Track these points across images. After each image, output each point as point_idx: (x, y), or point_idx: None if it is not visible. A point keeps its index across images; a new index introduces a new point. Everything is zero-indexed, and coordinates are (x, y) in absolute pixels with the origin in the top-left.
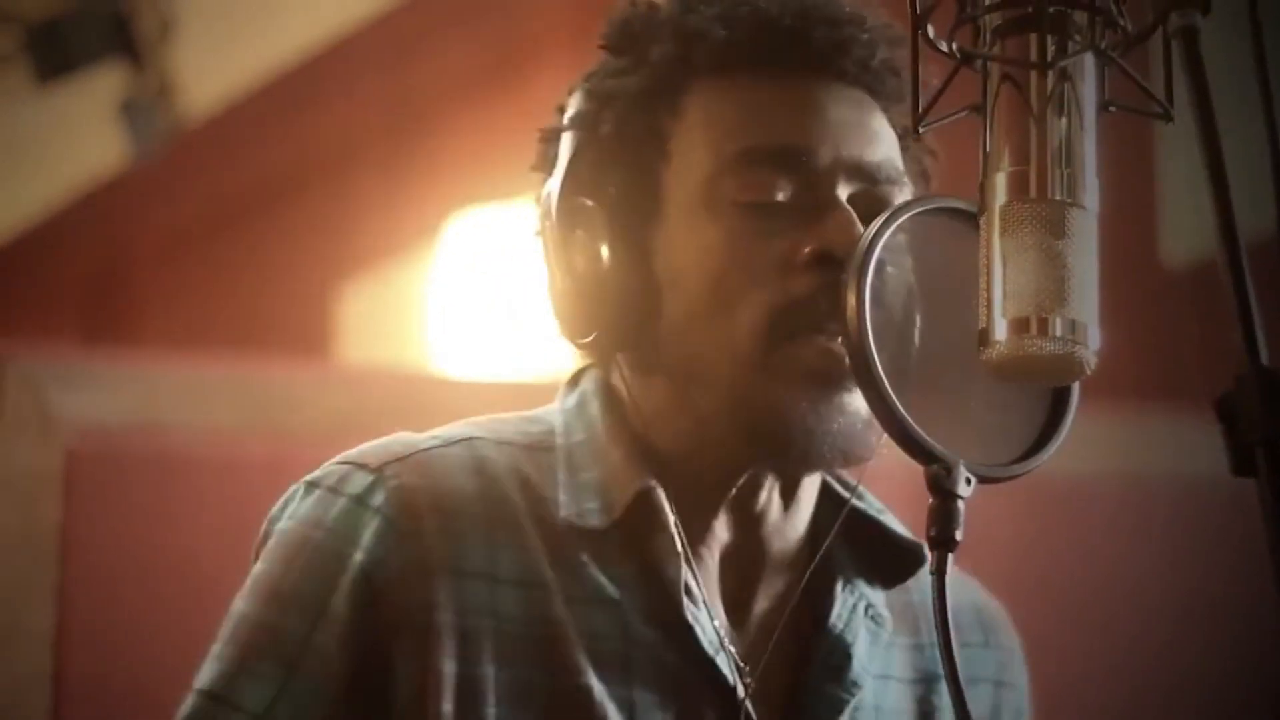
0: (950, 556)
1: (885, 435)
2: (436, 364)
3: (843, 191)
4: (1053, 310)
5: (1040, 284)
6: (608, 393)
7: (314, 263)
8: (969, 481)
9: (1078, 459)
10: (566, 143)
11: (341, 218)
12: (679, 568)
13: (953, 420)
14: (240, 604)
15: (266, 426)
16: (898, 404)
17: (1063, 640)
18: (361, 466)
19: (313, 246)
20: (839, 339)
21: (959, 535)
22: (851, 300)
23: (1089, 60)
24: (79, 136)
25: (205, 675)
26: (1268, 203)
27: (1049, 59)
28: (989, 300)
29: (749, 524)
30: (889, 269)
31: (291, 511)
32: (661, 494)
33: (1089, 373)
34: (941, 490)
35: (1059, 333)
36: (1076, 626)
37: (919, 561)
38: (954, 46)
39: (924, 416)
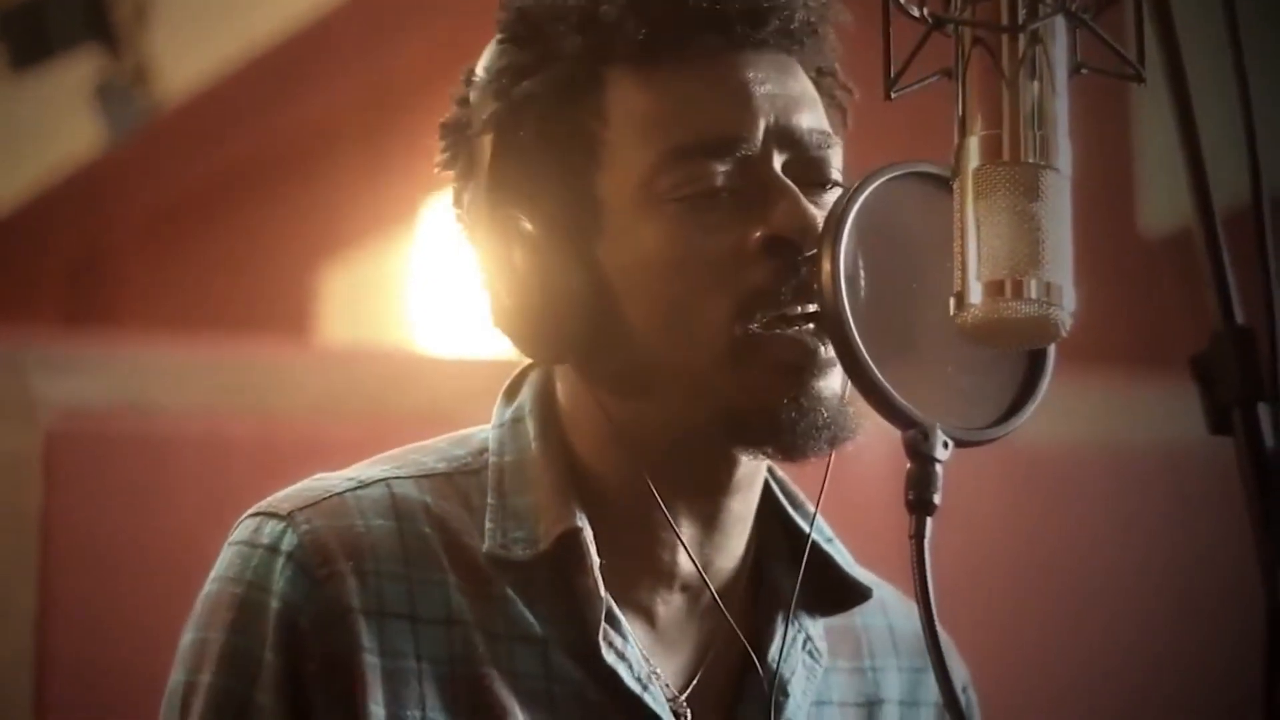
0: (930, 523)
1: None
2: (418, 342)
3: (778, 162)
4: (1027, 272)
5: (1014, 247)
6: (545, 407)
7: (295, 244)
8: (947, 445)
9: (1059, 427)
10: (485, 146)
11: (321, 198)
12: (599, 612)
13: (930, 385)
14: (179, 674)
15: (248, 407)
16: (875, 370)
17: (1044, 607)
18: (272, 515)
19: (293, 227)
20: (807, 327)
21: (937, 499)
22: (826, 268)
23: (1060, 23)
24: (56, 122)
25: None
26: (1245, 171)
27: (1020, 22)
28: (963, 264)
29: (692, 545)
30: (862, 235)
31: (214, 575)
32: (588, 534)
33: (1064, 334)
34: (919, 454)
35: (1034, 295)
36: (1057, 594)
37: (865, 597)
38: (925, 11)
39: (901, 381)
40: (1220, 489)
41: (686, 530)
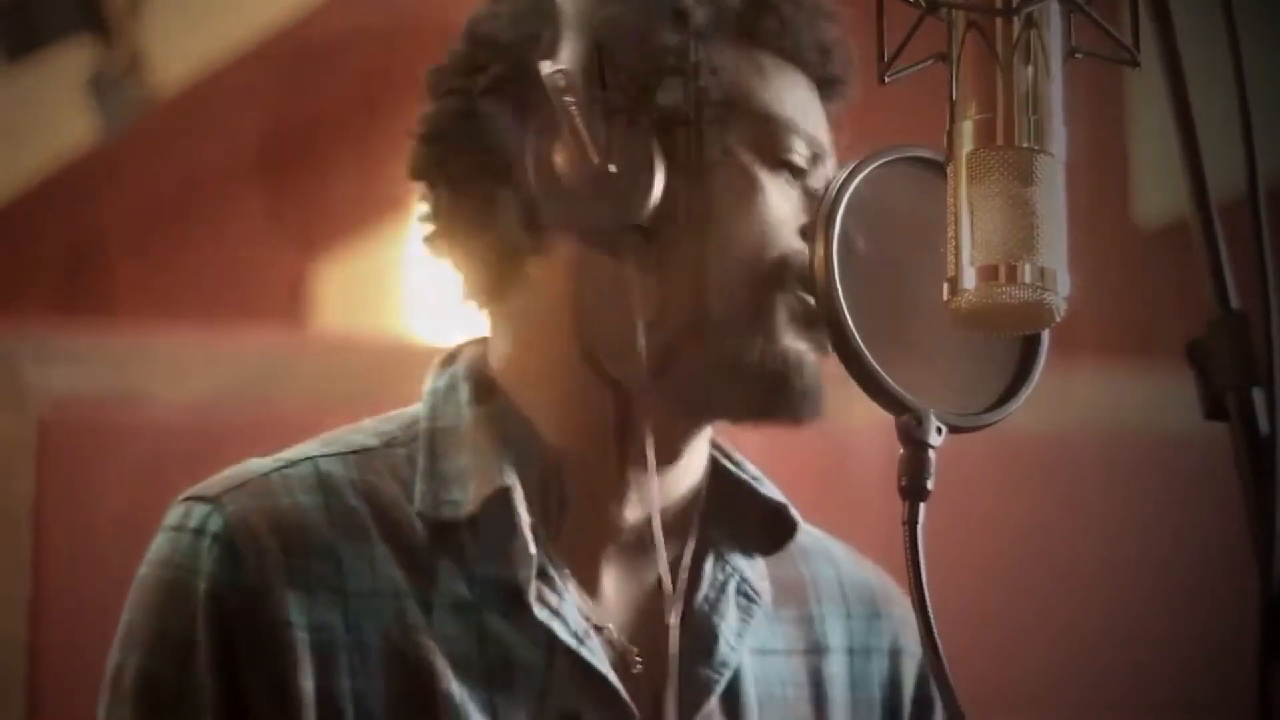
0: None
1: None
2: (412, 331)
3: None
4: (1021, 257)
5: (1008, 231)
6: (481, 373)
7: (289, 233)
8: (940, 431)
9: (1053, 413)
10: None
11: (316, 188)
12: (530, 570)
13: (923, 370)
14: (114, 657)
15: (241, 397)
16: (868, 354)
17: (1037, 594)
18: (199, 499)
19: (287, 217)
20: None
21: (930, 485)
22: (819, 252)
23: (1054, 7)
24: (49, 113)
25: None
26: (1239, 162)
27: (1014, 5)
28: (957, 248)
29: (642, 500)
30: (855, 220)
31: (146, 560)
32: (518, 493)
33: (1058, 319)
34: (913, 440)
35: (1028, 279)
36: (1050, 580)
37: (790, 522)
38: None
39: (894, 367)
40: (1214, 476)
41: (635, 484)
